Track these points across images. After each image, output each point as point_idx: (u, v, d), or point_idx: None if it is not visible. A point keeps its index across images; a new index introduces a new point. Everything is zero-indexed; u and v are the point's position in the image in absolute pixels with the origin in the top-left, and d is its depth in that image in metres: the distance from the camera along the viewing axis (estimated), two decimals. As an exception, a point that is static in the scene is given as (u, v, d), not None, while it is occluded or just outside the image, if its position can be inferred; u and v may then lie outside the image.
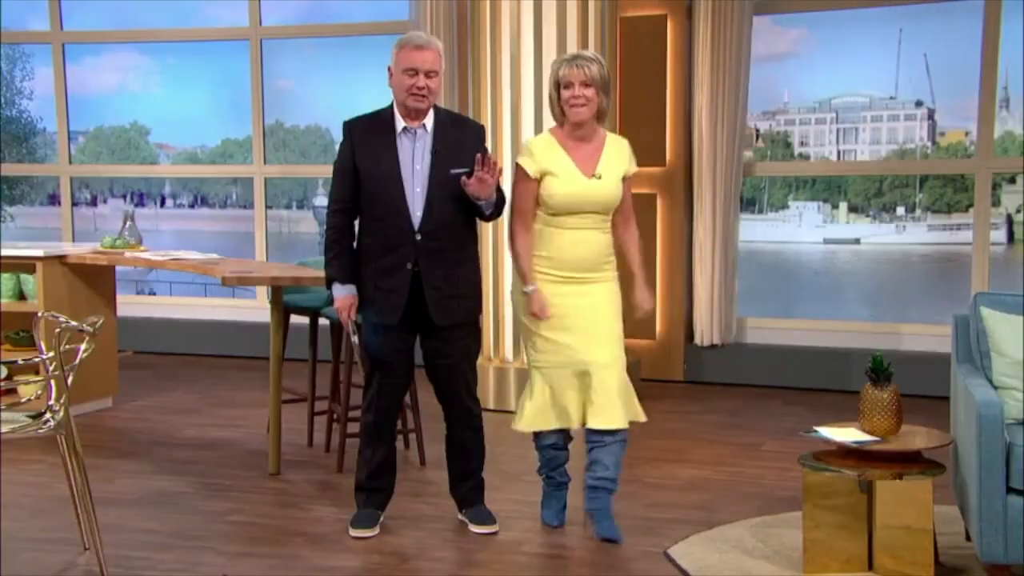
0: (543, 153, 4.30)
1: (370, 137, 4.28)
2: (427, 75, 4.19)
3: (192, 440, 6.04)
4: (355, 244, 4.37)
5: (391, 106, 4.33)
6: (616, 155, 4.37)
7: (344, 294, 4.32)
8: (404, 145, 4.28)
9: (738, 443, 5.96)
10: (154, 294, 9.03)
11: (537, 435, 4.43)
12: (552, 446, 4.42)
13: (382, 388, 4.40)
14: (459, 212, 4.30)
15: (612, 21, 6.81)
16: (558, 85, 4.28)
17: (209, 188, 9.18)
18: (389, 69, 4.28)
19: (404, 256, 4.25)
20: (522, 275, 4.35)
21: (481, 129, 4.50)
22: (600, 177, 4.29)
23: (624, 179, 4.38)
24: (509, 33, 6.64)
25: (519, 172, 4.32)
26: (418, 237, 4.24)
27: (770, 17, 7.48)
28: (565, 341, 4.28)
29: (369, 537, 4.40)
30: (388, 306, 4.28)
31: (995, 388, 3.95)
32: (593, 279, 4.33)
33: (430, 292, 4.27)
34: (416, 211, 4.25)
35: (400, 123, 4.28)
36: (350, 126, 4.34)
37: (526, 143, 4.46)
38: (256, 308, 8.28)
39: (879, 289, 7.65)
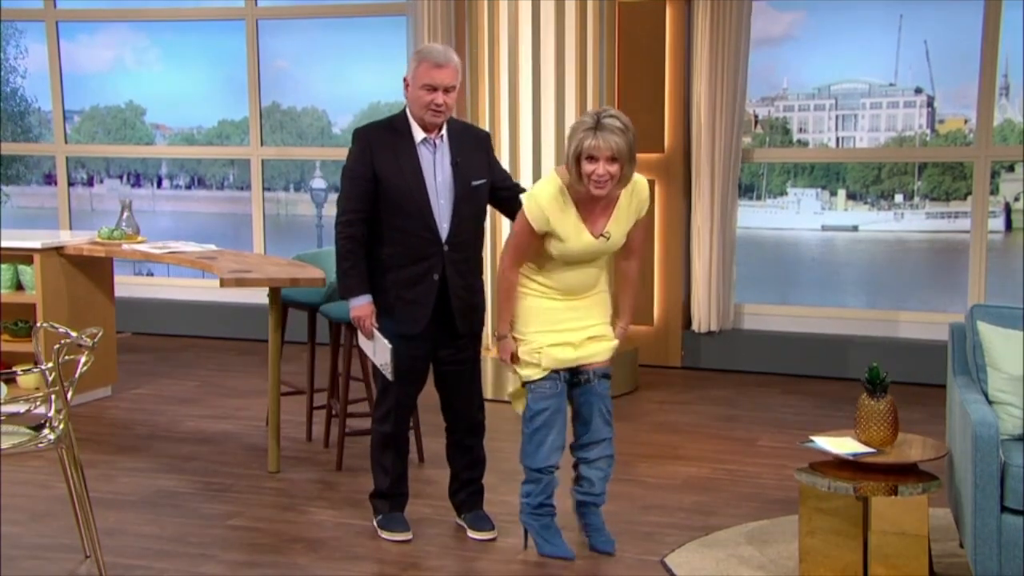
0: (552, 212, 4.06)
1: (390, 147, 4.26)
2: (445, 91, 4.21)
3: (191, 433, 6.06)
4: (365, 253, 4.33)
5: (404, 114, 4.32)
6: (628, 208, 4.16)
7: (363, 303, 4.30)
8: (425, 156, 4.28)
9: (735, 437, 5.98)
10: (152, 275, 9.01)
11: (535, 469, 4.25)
12: (548, 469, 4.25)
13: (401, 398, 4.43)
14: (479, 222, 4.42)
15: (611, 6, 6.77)
16: (579, 155, 3.96)
17: (206, 169, 9.12)
18: (405, 80, 4.27)
19: (431, 267, 4.27)
20: (502, 316, 4.22)
21: (487, 136, 4.57)
22: (608, 237, 4.13)
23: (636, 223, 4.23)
24: (507, 13, 6.58)
25: (524, 219, 4.09)
26: (446, 248, 4.28)
27: (767, 2, 7.43)
28: (560, 338, 4.20)
29: (408, 540, 4.45)
30: (412, 316, 4.30)
31: (991, 403, 3.97)
32: (587, 295, 4.28)
33: (456, 302, 4.32)
34: (443, 222, 4.27)
35: (419, 133, 4.28)
36: (366, 134, 4.31)
37: (536, 193, 4.11)
38: (254, 290, 8.25)
39: (877, 277, 7.65)
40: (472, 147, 4.38)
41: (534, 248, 4.15)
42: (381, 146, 4.27)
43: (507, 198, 4.48)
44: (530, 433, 4.24)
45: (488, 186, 4.41)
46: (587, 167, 3.96)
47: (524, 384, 4.24)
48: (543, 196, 4.08)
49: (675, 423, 6.29)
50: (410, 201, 4.24)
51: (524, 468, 4.29)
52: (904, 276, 7.61)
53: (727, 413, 6.49)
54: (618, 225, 4.16)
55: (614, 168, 3.96)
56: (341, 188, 4.36)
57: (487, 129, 6.64)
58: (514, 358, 4.22)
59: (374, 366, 4.40)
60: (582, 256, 4.16)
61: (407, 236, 4.26)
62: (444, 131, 4.32)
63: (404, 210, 4.25)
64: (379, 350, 4.31)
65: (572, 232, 4.09)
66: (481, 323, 4.53)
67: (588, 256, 4.17)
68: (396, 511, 4.56)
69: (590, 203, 4.09)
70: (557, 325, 4.20)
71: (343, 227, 4.29)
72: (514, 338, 4.23)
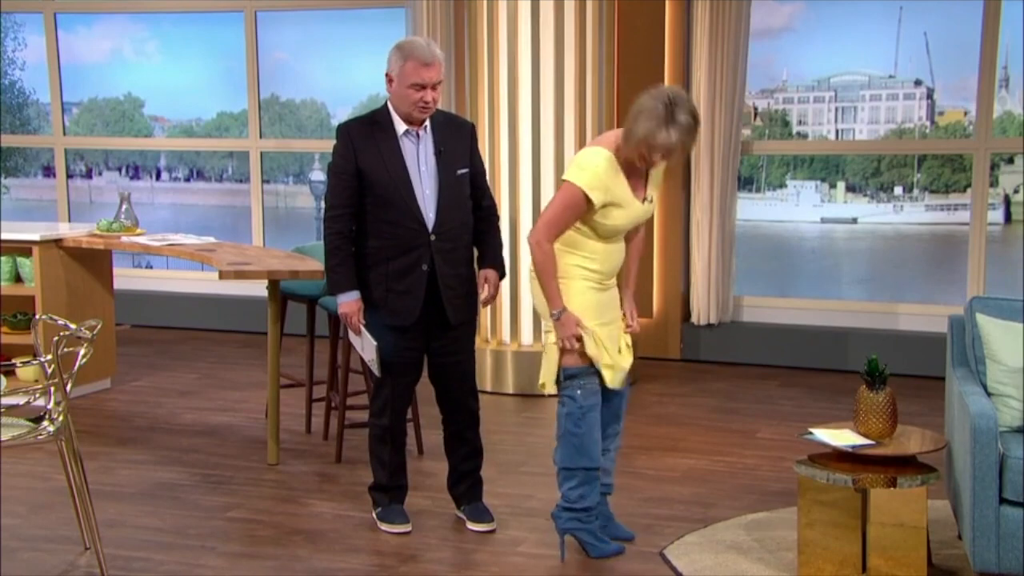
0: (610, 180, 4.02)
1: (373, 141, 4.28)
2: (432, 88, 4.21)
3: (191, 426, 6.07)
4: (353, 247, 4.35)
5: (386, 108, 4.33)
6: (657, 172, 4.18)
7: (351, 299, 4.31)
8: (408, 147, 4.29)
9: (734, 430, 5.99)
10: (151, 267, 9.00)
11: (591, 468, 4.15)
12: (598, 467, 4.21)
13: (396, 390, 4.44)
14: (466, 212, 4.39)
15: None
16: (648, 143, 3.91)
17: (205, 162, 9.10)
18: (388, 76, 4.26)
19: (419, 257, 4.28)
20: (552, 296, 4.07)
21: (472, 128, 4.53)
22: (651, 200, 4.16)
23: None
24: (506, 3, 6.57)
25: (577, 194, 3.99)
26: (433, 238, 4.28)
27: (768, -7, 7.45)
28: (608, 333, 4.18)
29: (407, 532, 4.46)
30: (403, 308, 4.30)
31: (990, 395, 3.97)
32: (613, 281, 4.27)
33: (446, 292, 4.32)
34: (429, 212, 4.28)
35: (401, 126, 4.29)
36: (348, 130, 4.32)
37: (590, 165, 4.02)
38: (253, 282, 8.25)
39: (876, 269, 7.64)
40: (455, 136, 4.38)
41: (571, 224, 4.06)
42: (364, 140, 4.28)
43: (476, 198, 4.45)
44: (585, 431, 4.12)
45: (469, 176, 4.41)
46: (652, 156, 3.98)
47: (569, 377, 4.11)
48: (600, 167, 4.01)
49: (674, 415, 6.29)
50: (395, 193, 4.25)
51: (577, 470, 4.14)
52: (903, 268, 7.60)
53: (726, 405, 6.50)
54: (653, 189, 4.18)
55: (673, 157, 4.03)
56: (327, 185, 4.38)
57: (487, 123, 6.66)
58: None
59: (374, 365, 4.41)
60: (633, 223, 4.15)
61: (394, 228, 4.27)
62: (427, 121, 4.32)
63: (390, 202, 4.26)
64: (366, 346, 4.33)
65: (627, 198, 4.07)
66: (474, 312, 4.51)
67: (634, 223, 4.17)
68: (395, 503, 4.56)
69: (631, 170, 4.08)
70: (603, 317, 4.16)
71: (330, 223, 4.31)
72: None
